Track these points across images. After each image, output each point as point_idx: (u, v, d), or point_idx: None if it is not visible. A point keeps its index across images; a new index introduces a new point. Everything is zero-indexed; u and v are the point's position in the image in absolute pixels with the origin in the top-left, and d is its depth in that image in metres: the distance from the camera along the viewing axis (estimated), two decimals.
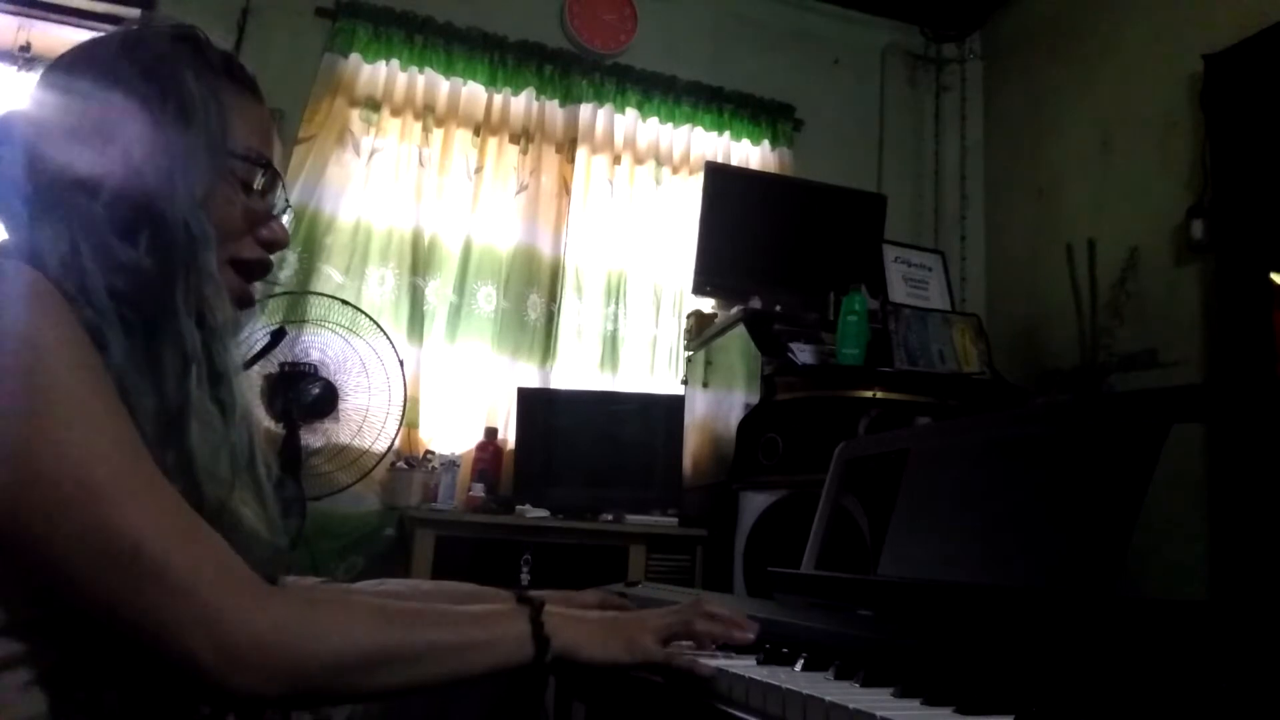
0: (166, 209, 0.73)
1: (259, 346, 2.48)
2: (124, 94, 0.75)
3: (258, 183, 0.83)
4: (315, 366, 2.68)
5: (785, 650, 0.82)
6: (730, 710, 0.74)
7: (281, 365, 2.62)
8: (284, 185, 0.88)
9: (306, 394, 2.62)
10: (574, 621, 0.80)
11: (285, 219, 0.88)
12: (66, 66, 0.79)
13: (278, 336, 2.51)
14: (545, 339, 3.24)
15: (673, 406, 3.04)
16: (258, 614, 0.64)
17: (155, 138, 0.74)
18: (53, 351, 0.64)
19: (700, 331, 3.12)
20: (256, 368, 2.49)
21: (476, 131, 3.30)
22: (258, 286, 0.87)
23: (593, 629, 0.81)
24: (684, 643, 0.85)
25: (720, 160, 3.47)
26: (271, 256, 0.86)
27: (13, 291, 0.65)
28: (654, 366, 3.37)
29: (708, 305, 3.20)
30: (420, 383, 3.05)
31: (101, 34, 0.84)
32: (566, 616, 0.80)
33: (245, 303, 0.84)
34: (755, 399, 2.59)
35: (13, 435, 0.62)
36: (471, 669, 0.73)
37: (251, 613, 0.64)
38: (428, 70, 3.26)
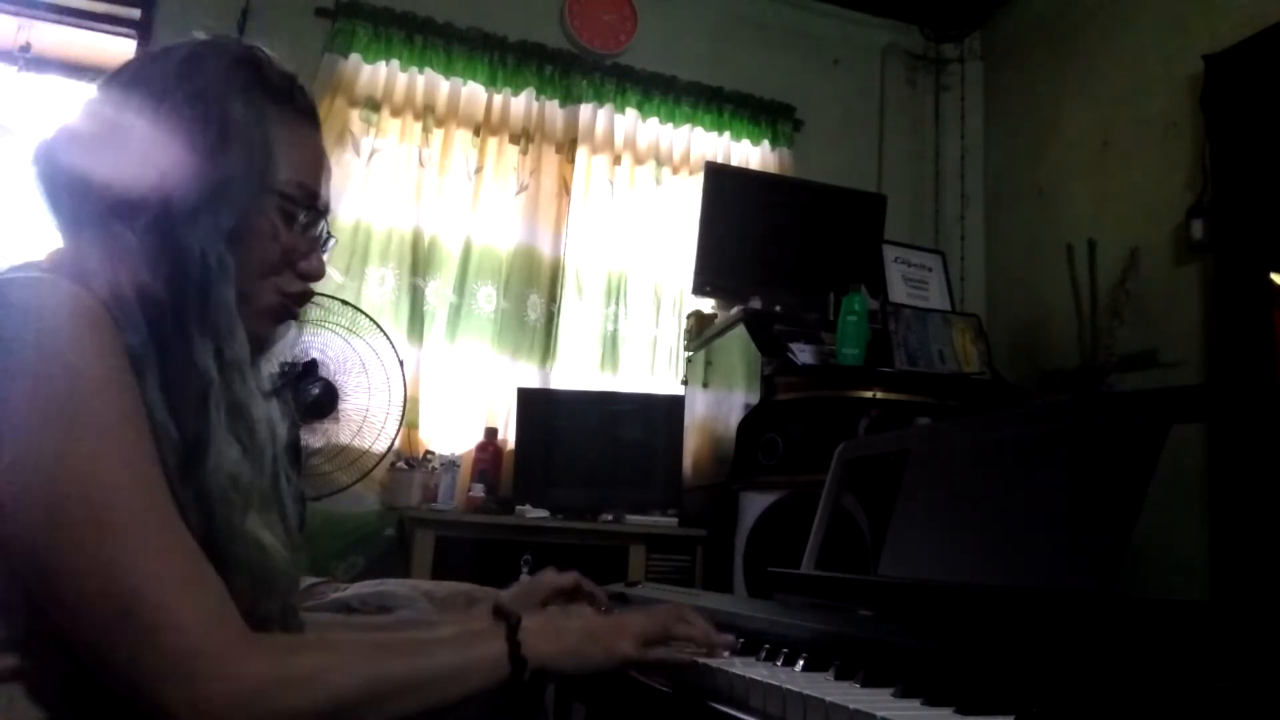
0: (185, 239, 0.73)
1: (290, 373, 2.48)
2: (169, 118, 0.74)
3: (302, 218, 0.82)
4: (315, 367, 2.68)
5: (785, 650, 0.82)
6: (730, 710, 0.74)
7: (281, 366, 2.62)
8: (329, 217, 0.87)
9: (306, 394, 2.62)
10: (551, 635, 0.80)
11: (327, 250, 0.87)
12: (126, 80, 0.78)
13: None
14: (545, 339, 3.24)
15: (673, 406, 3.04)
16: (236, 667, 0.64)
17: (191, 166, 0.74)
18: (92, 378, 0.64)
19: (700, 331, 3.12)
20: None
21: (476, 132, 3.30)
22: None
23: (569, 641, 0.81)
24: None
25: (720, 160, 3.47)
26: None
27: (62, 312, 0.65)
28: (654, 366, 3.37)
29: (708, 305, 3.20)
30: (420, 383, 3.05)
31: (167, 45, 0.82)
32: (543, 631, 0.80)
33: (284, 319, 0.85)
34: (755, 399, 2.59)
35: (39, 460, 0.62)
36: (451, 695, 0.73)
37: (230, 666, 0.63)
38: (428, 70, 3.26)
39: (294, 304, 0.85)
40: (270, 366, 0.87)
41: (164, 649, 0.62)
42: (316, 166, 0.85)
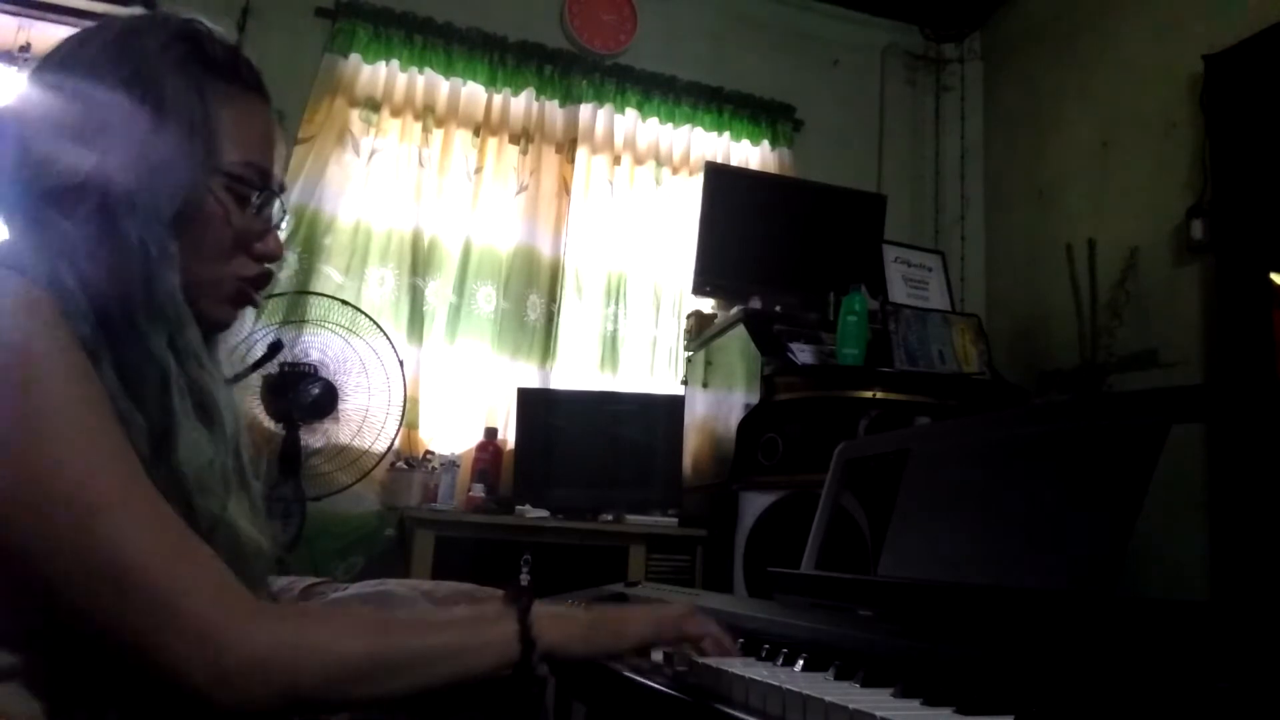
0: (124, 228, 0.70)
1: (256, 356, 2.47)
2: (105, 98, 0.71)
3: (254, 198, 0.80)
4: (315, 367, 2.68)
5: (785, 650, 0.82)
6: (730, 710, 0.73)
7: (281, 365, 2.62)
8: (282, 195, 0.84)
9: (306, 394, 2.62)
10: (561, 619, 0.79)
11: (282, 228, 0.85)
12: (60, 61, 0.75)
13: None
14: (545, 339, 3.24)
15: (673, 406, 3.04)
16: (249, 632, 0.63)
17: (126, 150, 0.71)
18: (49, 364, 0.63)
19: (700, 331, 3.12)
20: (255, 358, 2.48)
21: (476, 132, 3.30)
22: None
23: (578, 625, 0.80)
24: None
25: (720, 160, 3.47)
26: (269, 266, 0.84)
27: (7, 302, 0.64)
28: (654, 366, 3.37)
29: (708, 305, 3.20)
30: (420, 383, 3.05)
31: (102, 22, 0.78)
32: (554, 615, 0.79)
33: (244, 304, 0.83)
34: (755, 399, 2.59)
35: (8, 450, 0.61)
36: (460, 673, 0.73)
37: (243, 631, 0.63)
38: (428, 70, 3.26)
39: (252, 288, 0.82)
40: (229, 352, 0.85)
41: (172, 615, 0.61)
42: (267, 143, 0.81)
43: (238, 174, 0.78)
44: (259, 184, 0.80)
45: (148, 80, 0.73)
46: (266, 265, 0.83)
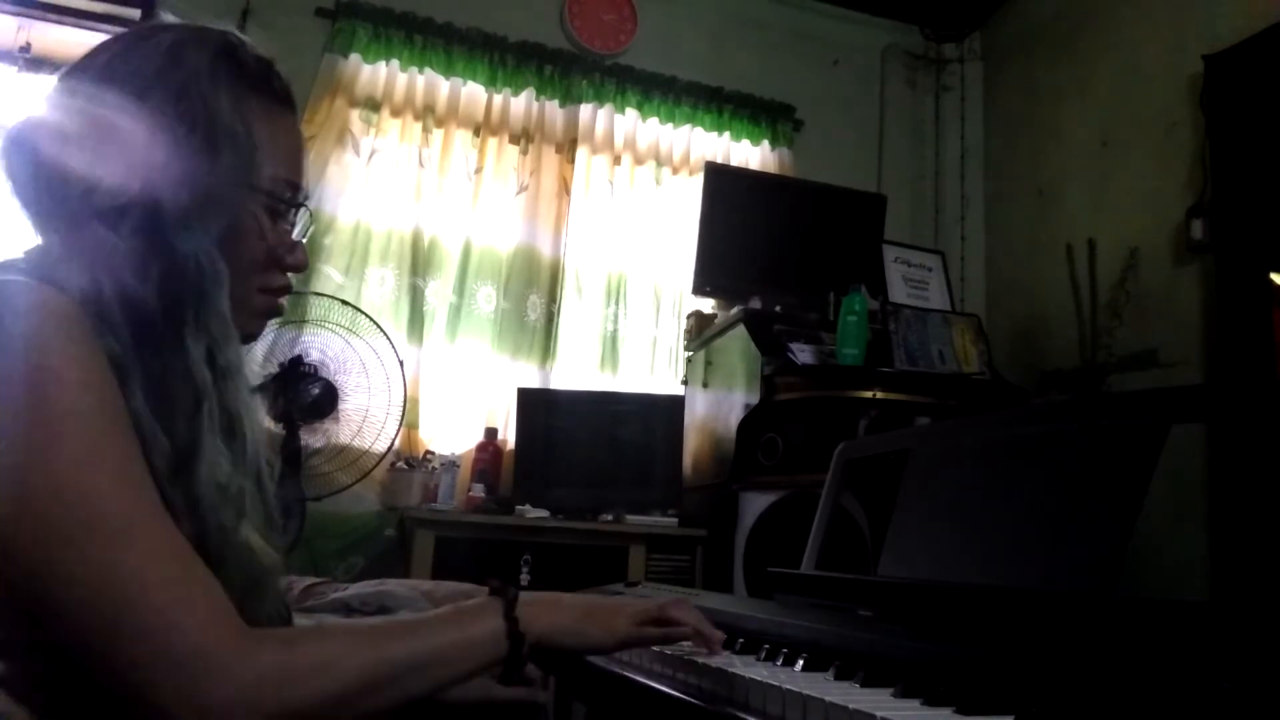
0: (178, 245, 0.71)
1: (254, 359, 2.49)
2: (153, 116, 0.72)
3: (287, 215, 0.81)
4: (315, 367, 2.68)
5: (785, 650, 0.82)
6: (730, 710, 0.74)
7: (281, 365, 2.63)
8: (309, 207, 0.85)
9: (306, 394, 2.62)
10: (549, 609, 0.79)
11: (306, 235, 0.86)
12: (101, 71, 0.74)
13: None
14: (545, 339, 3.24)
15: (673, 407, 3.04)
16: (238, 670, 0.62)
17: (179, 169, 0.71)
18: (72, 382, 0.63)
19: (700, 332, 3.12)
20: (257, 368, 2.49)
21: (476, 132, 3.30)
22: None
23: (567, 616, 0.80)
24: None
25: (720, 160, 3.47)
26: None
27: (39, 316, 0.64)
28: (654, 367, 3.37)
29: (708, 305, 3.20)
30: (420, 383, 3.05)
31: (140, 33, 0.78)
32: (541, 605, 0.79)
33: (273, 315, 0.84)
34: (755, 399, 2.59)
35: (17, 465, 0.61)
36: (452, 674, 0.72)
37: (233, 669, 0.62)
38: (428, 70, 3.26)
39: (279, 298, 0.84)
40: (254, 361, 0.86)
41: (162, 651, 0.61)
42: (298, 155, 0.82)
43: (274, 190, 0.79)
44: (292, 199, 0.81)
45: (196, 98, 0.73)
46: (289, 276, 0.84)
